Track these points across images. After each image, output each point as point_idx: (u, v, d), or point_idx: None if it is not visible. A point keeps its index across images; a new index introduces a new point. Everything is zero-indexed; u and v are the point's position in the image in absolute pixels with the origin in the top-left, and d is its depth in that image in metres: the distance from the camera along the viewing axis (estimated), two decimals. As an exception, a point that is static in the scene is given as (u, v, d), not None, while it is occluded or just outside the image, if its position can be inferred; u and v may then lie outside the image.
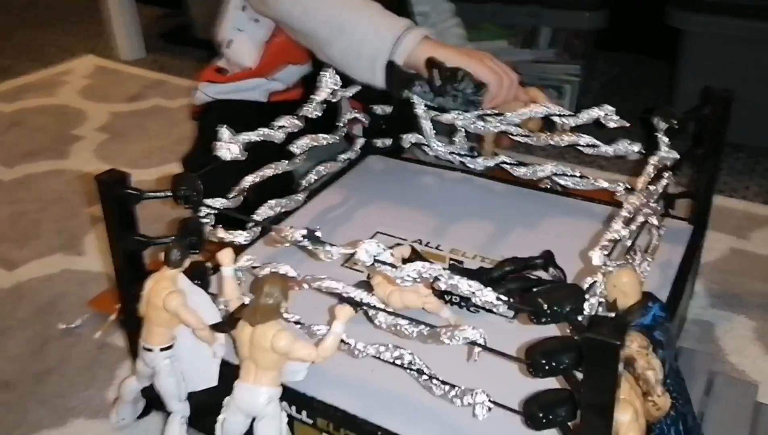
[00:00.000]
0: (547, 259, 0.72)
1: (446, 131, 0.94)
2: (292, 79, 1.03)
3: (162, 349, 0.63)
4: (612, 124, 0.77)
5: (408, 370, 0.58)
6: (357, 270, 0.76)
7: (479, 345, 0.54)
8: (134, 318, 0.66)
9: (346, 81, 0.88)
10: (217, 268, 0.64)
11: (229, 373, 0.62)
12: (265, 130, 0.78)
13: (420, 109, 0.89)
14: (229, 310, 0.61)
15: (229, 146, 0.73)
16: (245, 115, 0.80)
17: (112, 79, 1.68)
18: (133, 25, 1.79)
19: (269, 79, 1.02)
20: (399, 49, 0.82)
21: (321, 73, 0.86)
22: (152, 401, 0.72)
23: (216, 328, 0.61)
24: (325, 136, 0.88)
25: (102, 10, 1.80)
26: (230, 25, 1.04)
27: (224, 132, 0.74)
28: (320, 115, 0.84)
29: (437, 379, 0.57)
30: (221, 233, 0.72)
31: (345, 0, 0.85)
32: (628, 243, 0.61)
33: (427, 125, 0.90)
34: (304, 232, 0.59)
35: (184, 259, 0.62)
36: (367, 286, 0.64)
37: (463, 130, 0.91)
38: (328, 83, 0.85)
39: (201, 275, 0.65)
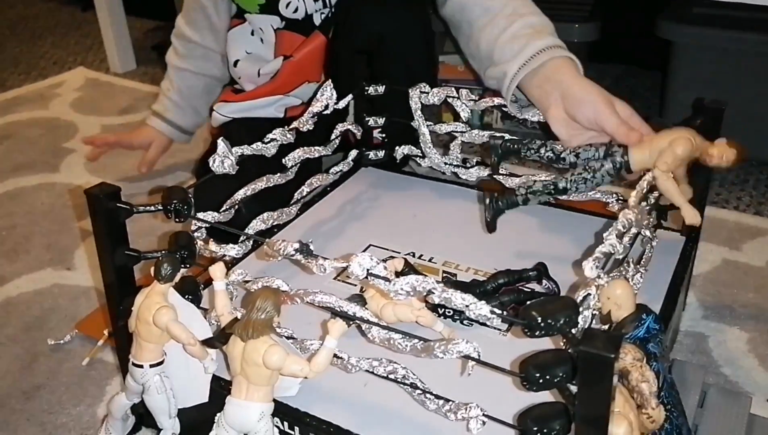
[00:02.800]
0: (541, 271, 0.72)
1: (441, 143, 0.94)
2: (308, 95, 1.04)
3: (152, 366, 0.62)
4: None
5: (401, 385, 0.58)
6: (350, 283, 0.75)
7: (473, 359, 0.53)
8: (124, 334, 0.65)
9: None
10: (208, 282, 0.63)
11: (220, 388, 0.62)
12: (258, 144, 0.78)
13: (417, 117, 0.89)
14: (220, 325, 0.61)
15: (223, 159, 0.73)
16: (262, 132, 0.80)
17: (103, 91, 1.67)
18: (123, 38, 1.78)
19: (285, 96, 1.04)
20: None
21: (321, 87, 0.86)
22: (142, 418, 0.71)
23: (207, 343, 0.61)
24: (318, 147, 0.88)
25: (92, 23, 1.80)
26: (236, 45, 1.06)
27: (221, 144, 0.74)
28: (312, 128, 0.84)
29: (431, 393, 0.56)
30: (213, 247, 0.71)
31: None
32: (622, 255, 0.61)
33: (425, 131, 0.90)
34: (297, 245, 0.59)
35: (175, 274, 0.62)
36: (360, 299, 0.64)
37: (458, 140, 0.91)
38: (323, 97, 0.85)
39: (192, 290, 0.64)
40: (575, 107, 0.77)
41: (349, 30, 0.99)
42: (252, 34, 1.04)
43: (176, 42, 1.12)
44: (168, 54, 1.14)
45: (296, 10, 0.98)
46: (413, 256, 0.81)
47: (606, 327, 0.57)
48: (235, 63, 1.06)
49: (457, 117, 0.90)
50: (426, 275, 0.55)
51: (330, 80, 0.86)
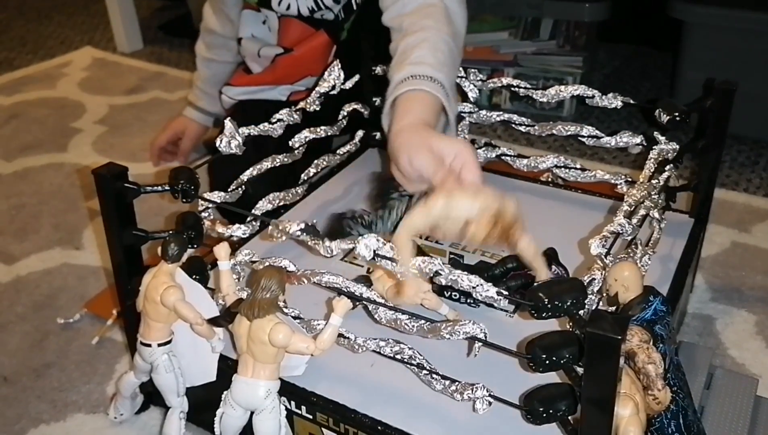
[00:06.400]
0: (550, 256, 0.72)
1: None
2: (312, 84, 1.05)
3: (160, 345, 0.63)
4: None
5: (408, 365, 0.58)
6: (357, 264, 0.76)
7: (480, 340, 0.53)
8: (132, 313, 0.66)
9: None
10: (215, 262, 0.63)
11: (227, 367, 0.62)
12: (265, 125, 0.78)
13: None
14: (226, 305, 0.61)
15: (230, 140, 0.73)
16: (271, 113, 0.81)
17: (110, 71, 1.67)
18: (130, 17, 1.78)
19: (290, 85, 1.06)
20: None
21: (329, 67, 0.86)
22: (151, 396, 0.72)
23: (214, 322, 0.61)
24: (324, 128, 0.87)
25: (99, 2, 1.79)
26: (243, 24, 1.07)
27: (227, 125, 0.74)
28: (318, 108, 0.84)
29: (437, 373, 0.56)
30: (220, 227, 0.71)
31: None
32: (630, 236, 0.61)
33: None
34: (302, 225, 0.59)
35: (182, 254, 0.62)
36: (366, 280, 0.64)
37: (466, 121, 0.90)
38: (331, 77, 0.85)
39: (199, 270, 0.64)
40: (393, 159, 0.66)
41: (375, 35, 0.98)
42: (264, 23, 1.05)
43: (202, 33, 1.16)
44: (196, 45, 1.17)
45: (288, 8, 0.99)
46: (420, 237, 0.81)
47: (613, 309, 0.57)
48: (239, 41, 1.07)
49: (465, 97, 0.89)
50: (433, 257, 0.55)
51: (337, 60, 0.86)
